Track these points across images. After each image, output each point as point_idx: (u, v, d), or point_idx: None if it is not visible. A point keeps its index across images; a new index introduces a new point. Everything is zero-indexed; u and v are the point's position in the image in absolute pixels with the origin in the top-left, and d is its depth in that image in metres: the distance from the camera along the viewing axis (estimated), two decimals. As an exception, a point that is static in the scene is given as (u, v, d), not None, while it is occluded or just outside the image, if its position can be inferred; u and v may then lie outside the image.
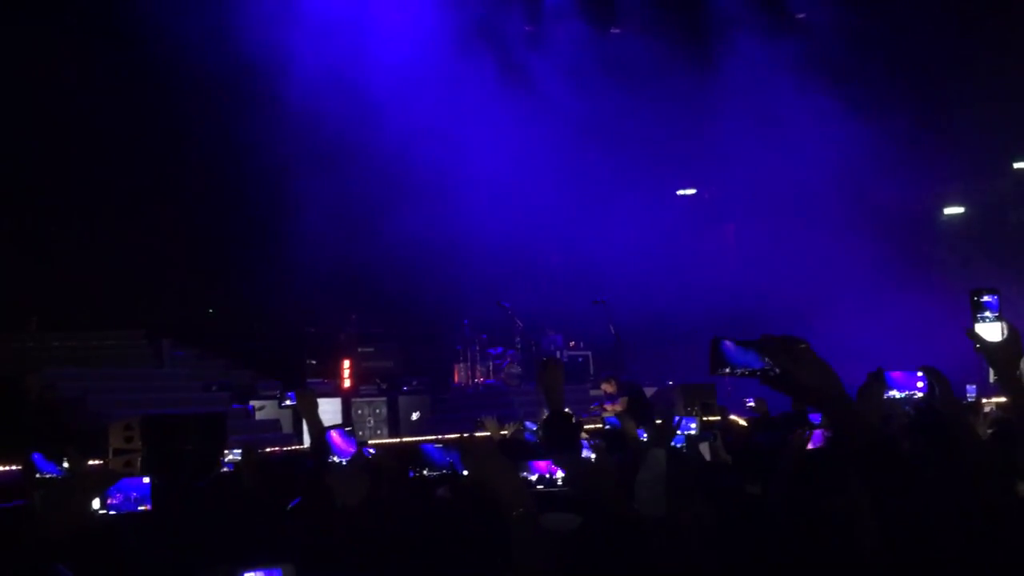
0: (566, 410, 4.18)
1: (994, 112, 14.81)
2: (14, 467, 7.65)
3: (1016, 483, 2.63)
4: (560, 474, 3.15)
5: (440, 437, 9.09)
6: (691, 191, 17.88)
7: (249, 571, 2.25)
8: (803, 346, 2.03)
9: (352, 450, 4.13)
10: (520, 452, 4.72)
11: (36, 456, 4.27)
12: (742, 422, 8.47)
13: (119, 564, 2.45)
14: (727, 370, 2.07)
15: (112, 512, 2.99)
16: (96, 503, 2.91)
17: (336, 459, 4.11)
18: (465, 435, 3.81)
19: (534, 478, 3.17)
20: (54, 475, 4.02)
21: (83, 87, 13.08)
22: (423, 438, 10.68)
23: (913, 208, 15.89)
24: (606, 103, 15.60)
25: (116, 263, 13.55)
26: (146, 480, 3.14)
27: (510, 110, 14.93)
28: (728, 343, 2.07)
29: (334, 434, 4.24)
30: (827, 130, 14.34)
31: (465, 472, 2.73)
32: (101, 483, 2.50)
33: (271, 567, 2.27)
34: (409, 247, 14.33)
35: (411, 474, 3.00)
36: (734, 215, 17.00)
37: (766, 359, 2.03)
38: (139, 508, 3.04)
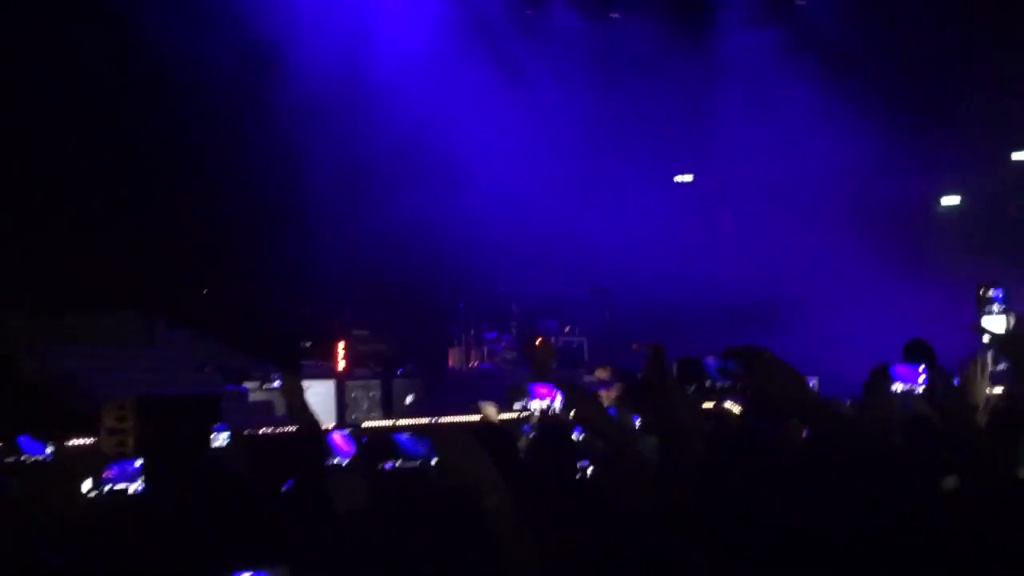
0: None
1: (993, 103, 14.79)
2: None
3: (1016, 469, 2.63)
4: (559, 400, 3.20)
5: (412, 423, 9.05)
6: (688, 177, 17.85)
7: (242, 573, 2.23)
8: (766, 355, 2.02)
9: (353, 451, 4.09)
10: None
11: (22, 439, 4.20)
12: (736, 409, 8.44)
13: (110, 550, 2.43)
14: (707, 383, 2.07)
15: (107, 487, 2.96)
16: (87, 484, 2.90)
17: (337, 460, 4.07)
18: (436, 421, 3.79)
19: (534, 404, 3.22)
20: (40, 457, 3.96)
21: (75, 67, 13.01)
22: (416, 421, 10.68)
23: (910, 199, 15.89)
24: (605, 90, 15.57)
25: (110, 243, 13.50)
26: (138, 463, 3.11)
27: (509, 98, 14.92)
28: (709, 359, 2.07)
29: (336, 436, 4.20)
30: (824, 119, 14.33)
31: (435, 461, 2.72)
32: (89, 465, 2.48)
33: (264, 570, 2.24)
34: (405, 232, 14.33)
35: (388, 467, 2.97)
36: (732, 203, 17.00)
37: (727, 373, 2.02)
38: (136, 481, 3.01)
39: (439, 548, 2.38)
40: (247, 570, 2.14)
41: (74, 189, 13.59)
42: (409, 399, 14.57)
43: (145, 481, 3.03)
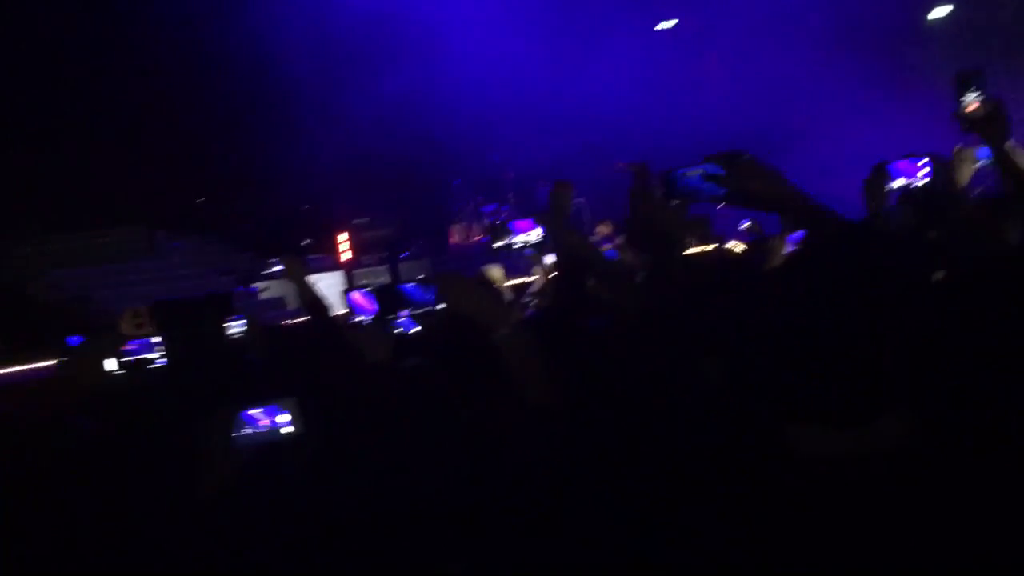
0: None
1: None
2: (32, 366, 7.85)
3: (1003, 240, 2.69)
4: (539, 231, 3.27)
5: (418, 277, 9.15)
6: (670, 23, 17.44)
7: (251, 409, 2.35)
8: (746, 157, 2.03)
9: (375, 309, 4.18)
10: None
11: (71, 339, 4.35)
12: (739, 248, 8.49)
13: (134, 415, 2.59)
14: (689, 197, 2.09)
15: (129, 359, 3.10)
16: (113, 364, 3.03)
17: (360, 318, 4.19)
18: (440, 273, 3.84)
19: (518, 239, 3.30)
20: None
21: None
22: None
23: (897, 15, 15.53)
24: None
25: (101, 161, 13.42)
26: (156, 339, 3.23)
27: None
28: (681, 171, 2.08)
29: (356, 295, 4.29)
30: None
31: (442, 306, 2.78)
32: (113, 344, 2.59)
33: (272, 403, 2.37)
34: (392, 112, 14.16)
35: (402, 315, 3.04)
36: (717, 41, 16.65)
37: (713, 179, 2.04)
38: (156, 350, 3.15)
39: (453, 385, 2.49)
40: (256, 407, 2.27)
41: (57, 112, 13.43)
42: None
43: (165, 354, 3.16)
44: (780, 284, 3.15)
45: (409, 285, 3.05)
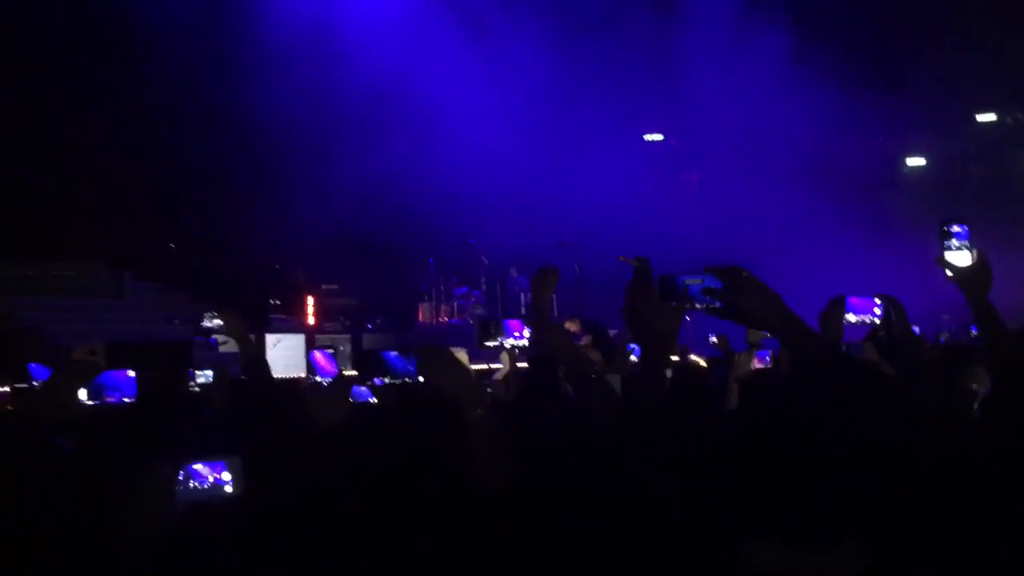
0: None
1: (957, 65, 14.95)
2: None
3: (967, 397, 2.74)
4: (527, 333, 3.26)
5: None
6: (658, 137, 17.91)
7: (196, 463, 2.32)
8: (745, 274, 2.09)
9: (335, 371, 4.12)
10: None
11: (32, 366, 4.26)
12: (702, 362, 8.55)
13: (99, 451, 2.53)
14: (685, 303, 2.14)
15: (98, 403, 3.05)
16: (83, 394, 2.97)
17: (319, 379, 4.12)
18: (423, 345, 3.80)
19: (509, 342, 3.29)
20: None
21: (36, 21, 12.80)
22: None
23: (876, 159, 16.09)
24: (574, 49, 15.55)
25: (75, 192, 13.33)
26: (131, 373, 3.18)
27: (479, 54, 14.88)
28: (683, 278, 2.14)
29: (318, 355, 4.23)
30: (791, 79, 14.42)
31: (421, 378, 2.77)
32: (86, 374, 2.55)
33: (217, 459, 2.34)
34: (375, 186, 14.28)
35: (378, 382, 3.03)
36: (700, 161, 17.09)
37: (711, 293, 2.09)
38: (123, 391, 3.11)
39: (422, 459, 2.46)
40: (201, 462, 2.24)
41: (40, 138, 13.38)
42: (379, 353, 14.55)
43: (137, 393, 3.11)
44: (747, 399, 3.18)
45: (392, 353, 3.03)
